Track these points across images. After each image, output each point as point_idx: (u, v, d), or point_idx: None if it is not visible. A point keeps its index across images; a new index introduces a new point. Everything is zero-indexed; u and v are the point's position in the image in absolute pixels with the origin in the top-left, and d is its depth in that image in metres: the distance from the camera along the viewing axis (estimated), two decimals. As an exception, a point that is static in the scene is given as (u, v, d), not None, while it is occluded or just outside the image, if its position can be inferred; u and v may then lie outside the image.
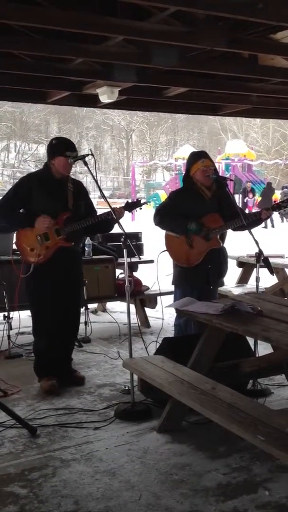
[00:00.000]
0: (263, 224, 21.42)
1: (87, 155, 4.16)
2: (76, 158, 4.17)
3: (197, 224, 4.37)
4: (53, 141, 4.35)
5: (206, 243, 4.46)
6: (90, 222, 4.25)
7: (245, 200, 25.49)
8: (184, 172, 4.78)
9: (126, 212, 4.35)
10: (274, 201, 19.55)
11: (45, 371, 4.40)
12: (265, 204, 21.57)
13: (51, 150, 4.29)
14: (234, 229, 4.46)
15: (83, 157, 4.16)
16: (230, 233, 4.65)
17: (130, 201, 4.44)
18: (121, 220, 4.17)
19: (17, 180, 4.61)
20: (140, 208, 4.36)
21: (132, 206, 4.34)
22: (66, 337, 4.49)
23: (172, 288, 4.78)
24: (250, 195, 25.95)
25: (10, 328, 5.19)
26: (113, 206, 4.21)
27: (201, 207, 4.47)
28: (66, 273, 4.30)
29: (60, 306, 4.32)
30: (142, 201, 4.41)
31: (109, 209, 4.13)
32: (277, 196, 24.76)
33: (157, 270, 4.60)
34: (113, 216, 4.12)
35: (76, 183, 4.48)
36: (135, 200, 4.41)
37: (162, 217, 4.49)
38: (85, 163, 4.28)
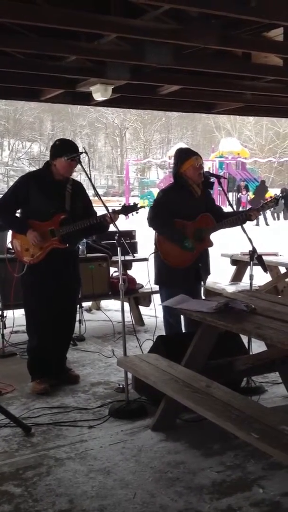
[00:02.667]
0: (254, 222, 21.60)
1: (81, 153, 4.15)
2: (70, 157, 4.16)
3: (193, 244, 4.41)
4: (56, 142, 4.33)
5: (199, 244, 4.48)
6: (85, 225, 4.24)
7: (238, 196, 25.51)
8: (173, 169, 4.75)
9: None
10: (266, 199, 19.60)
11: (38, 373, 4.39)
12: (257, 201, 21.66)
13: (54, 151, 4.26)
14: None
15: (77, 155, 4.15)
16: (223, 230, 4.68)
17: (126, 204, 4.42)
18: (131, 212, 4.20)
19: (15, 179, 4.60)
20: (137, 212, 4.32)
21: (128, 209, 4.31)
22: (61, 337, 4.48)
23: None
24: (244, 192, 25.98)
25: (4, 326, 5.19)
26: (107, 204, 4.20)
27: (192, 205, 4.49)
28: (60, 274, 4.29)
29: (54, 306, 4.31)
30: (139, 205, 4.38)
31: (104, 210, 4.13)
32: (271, 193, 24.79)
33: (147, 269, 4.60)
34: (109, 219, 4.12)
35: (75, 184, 4.44)
36: (131, 204, 4.38)
37: (160, 225, 4.49)
38: (79, 161, 4.27)
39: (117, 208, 4.29)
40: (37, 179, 4.31)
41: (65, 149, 4.19)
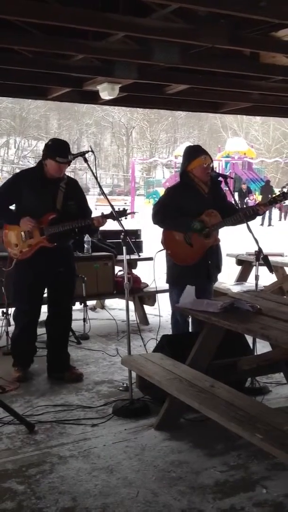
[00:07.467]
0: (259, 222, 21.51)
1: (87, 151, 4.15)
2: (76, 155, 4.16)
3: (200, 224, 4.37)
4: (49, 143, 4.36)
5: (206, 241, 4.45)
6: (71, 226, 4.26)
7: (245, 201, 25.41)
8: (180, 167, 4.73)
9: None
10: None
11: (16, 360, 4.61)
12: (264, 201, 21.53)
13: (45, 151, 4.30)
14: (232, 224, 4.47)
15: (83, 154, 4.15)
16: (229, 230, 4.65)
17: (116, 209, 4.19)
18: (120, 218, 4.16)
19: (8, 177, 4.67)
20: (125, 218, 4.26)
21: (117, 215, 4.15)
22: (57, 334, 4.57)
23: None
24: (252, 197, 25.94)
25: (8, 324, 5.20)
26: (112, 203, 4.19)
27: (199, 203, 4.45)
28: (50, 271, 4.36)
29: (42, 301, 4.49)
30: (128, 211, 4.30)
31: (108, 208, 4.13)
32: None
33: (153, 268, 4.59)
34: (96, 222, 4.20)
35: (70, 182, 4.46)
36: (121, 209, 4.26)
37: (163, 217, 4.46)
38: (85, 160, 4.27)
39: (118, 211, 4.26)
40: (30, 177, 4.37)
41: (55, 151, 4.22)
